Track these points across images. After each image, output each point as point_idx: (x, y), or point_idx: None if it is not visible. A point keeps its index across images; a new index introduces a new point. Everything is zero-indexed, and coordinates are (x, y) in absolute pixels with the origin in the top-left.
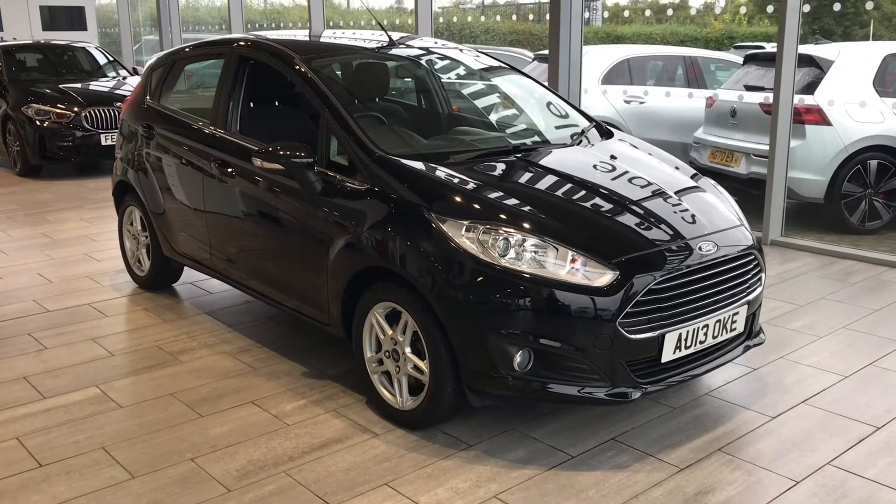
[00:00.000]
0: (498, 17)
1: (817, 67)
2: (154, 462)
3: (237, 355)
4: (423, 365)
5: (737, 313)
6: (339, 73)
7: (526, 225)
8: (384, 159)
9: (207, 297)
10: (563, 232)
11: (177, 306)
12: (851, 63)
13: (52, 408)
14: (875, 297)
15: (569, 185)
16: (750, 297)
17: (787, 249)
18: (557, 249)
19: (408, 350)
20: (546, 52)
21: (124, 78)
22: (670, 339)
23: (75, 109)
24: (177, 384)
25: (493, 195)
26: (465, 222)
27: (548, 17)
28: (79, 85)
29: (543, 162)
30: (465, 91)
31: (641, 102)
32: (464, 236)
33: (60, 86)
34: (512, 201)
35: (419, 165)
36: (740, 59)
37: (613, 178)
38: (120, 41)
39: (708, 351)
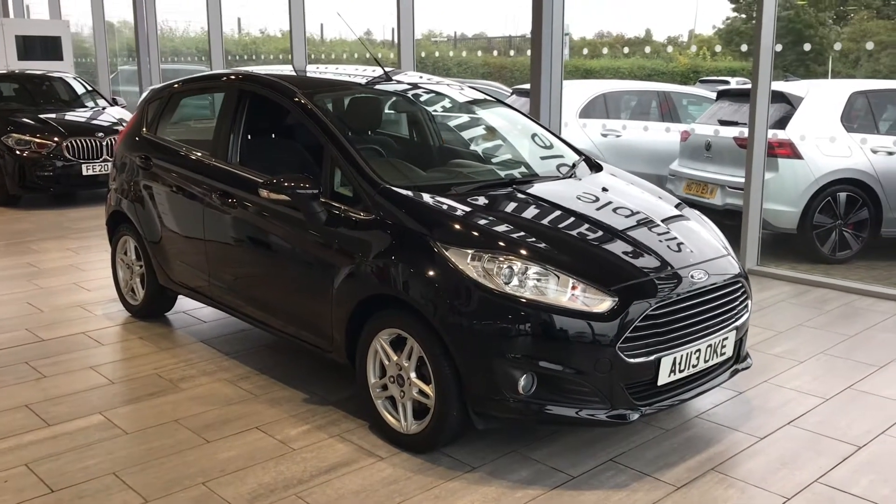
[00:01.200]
0: (479, 52)
1: (788, 104)
2: (166, 486)
3: (237, 382)
4: (428, 389)
5: (726, 338)
6: (340, 106)
7: (528, 253)
8: (388, 191)
9: (202, 326)
10: (563, 260)
11: (172, 335)
12: (820, 100)
13: (57, 435)
14: (849, 323)
15: (566, 216)
16: (738, 323)
17: (763, 278)
18: (559, 277)
19: (413, 375)
20: (524, 86)
21: (103, 108)
22: (666, 363)
23: (56, 139)
24: (180, 411)
25: (496, 225)
26: (470, 251)
27: (518, 52)
28: (58, 115)
29: (540, 193)
30: (458, 124)
31: (618, 136)
32: (469, 264)
33: (40, 116)
34: (514, 231)
35: (424, 196)
36: (712, 94)
37: (607, 210)
38: (96, 71)
39: (700, 374)
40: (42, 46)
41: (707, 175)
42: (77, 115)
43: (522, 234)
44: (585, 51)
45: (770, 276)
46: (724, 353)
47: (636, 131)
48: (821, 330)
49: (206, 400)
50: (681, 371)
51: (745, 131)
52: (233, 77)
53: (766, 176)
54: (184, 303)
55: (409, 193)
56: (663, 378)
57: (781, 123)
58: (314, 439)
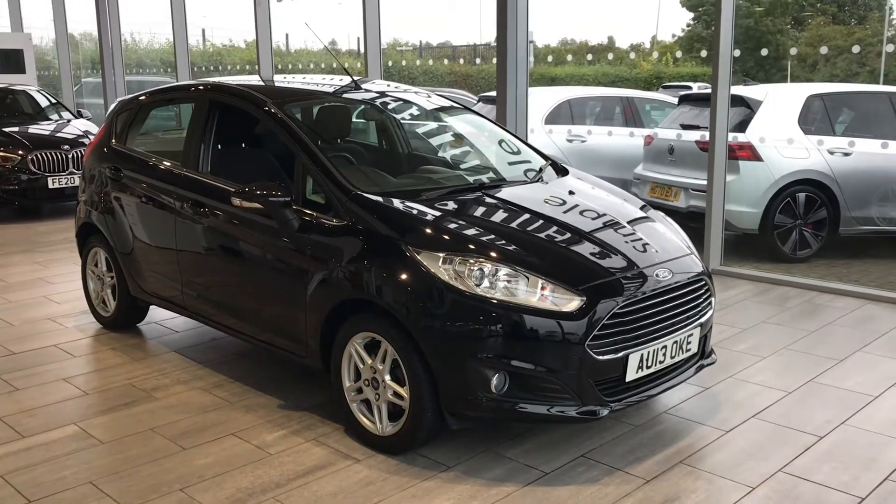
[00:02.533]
0: (445, 61)
1: (747, 107)
2: (144, 493)
3: (211, 390)
4: (402, 391)
5: (691, 335)
6: (309, 115)
7: (498, 256)
8: (360, 197)
9: (174, 336)
10: (532, 262)
11: (144, 345)
12: (778, 103)
13: (32, 446)
14: (810, 319)
15: (534, 219)
16: (702, 320)
17: (726, 277)
18: (528, 278)
19: (388, 377)
20: (490, 93)
21: (68, 120)
22: (633, 360)
23: (20, 152)
24: (155, 419)
25: (466, 228)
26: (441, 254)
27: (483, 60)
28: (21, 128)
29: (508, 197)
30: (427, 131)
31: (583, 141)
32: (440, 267)
33: (4, 129)
34: (484, 234)
35: (394, 202)
36: (674, 100)
37: (574, 212)
38: (59, 83)
39: (667, 370)
40: (4, 59)
41: (671, 178)
42: (42, 128)
43: (492, 236)
44: (550, 58)
45: (733, 275)
46: (690, 350)
47: (601, 136)
48: (783, 326)
49: (181, 408)
50: (648, 367)
51: (707, 135)
52: (203, 87)
53: (728, 178)
54: (155, 313)
55: (381, 199)
56: (631, 374)
57: (741, 126)
58: (290, 444)
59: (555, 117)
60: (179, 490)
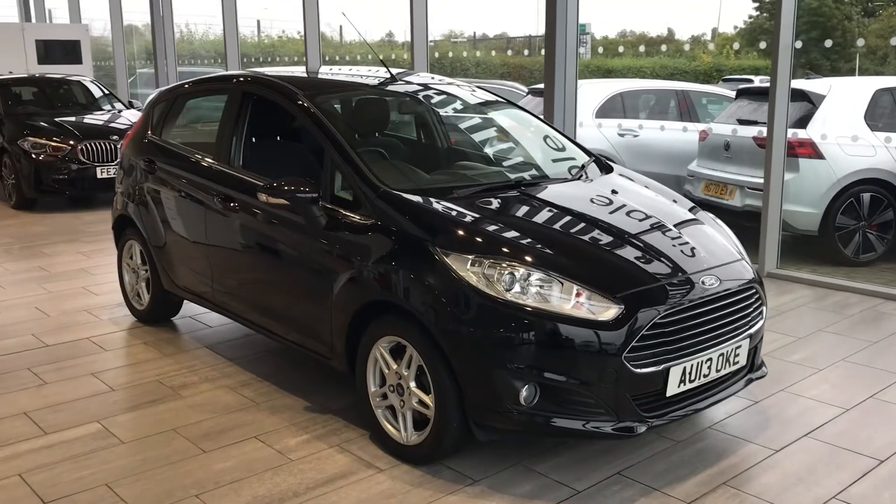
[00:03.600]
0: (493, 52)
1: (809, 102)
2: (158, 499)
3: (239, 389)
4: (428, 399)
5: (739, 346)
6: (341, 108)
7: (530, 259)
8: (388, 194)
9: (207, 331)
10: (567, 266)
11: (177, 340)
12: (843, 98)
13: (54, 444)
14: (872, 329)
15: (572, 220)
16: (752, 331)
17: (782, 282)
18: (562, 284)
19: (412, 384)
20: (540, 85)
21: (120, 111)
22: (675, 373)
23: (71, 143)
24: (179, 419)
25: (497, 229)
26: (470, 256)
27: (542, 51)
28: (74, 118)
29: (545, 196)
30: (465, 126)
31: (635, 136)
32: (469, 270)
33: (56, 119)
34: (516, 235)
35: (423, 200)
36: (732, 93)
37: (615, 213)
38: (115, 74)
39: (711, 384)
40: (62, 50)
41: (726, 175)
42: (93, 119)
43: (525, 238)
44: (601, 50)
45: (790, 279)
46: (738, 362)
47: (654, 131)
48: (842, 336)
49: (206, 408)
50: (691, 381)
51: (765, 130)
52: (236, 79)
53: (787, 176)
54: (190, 307)
55: (410, 197)
56: (672, 389)
57: (802, 122)
58: (313, 449)
59: (606, 111)
60: (195, 496)
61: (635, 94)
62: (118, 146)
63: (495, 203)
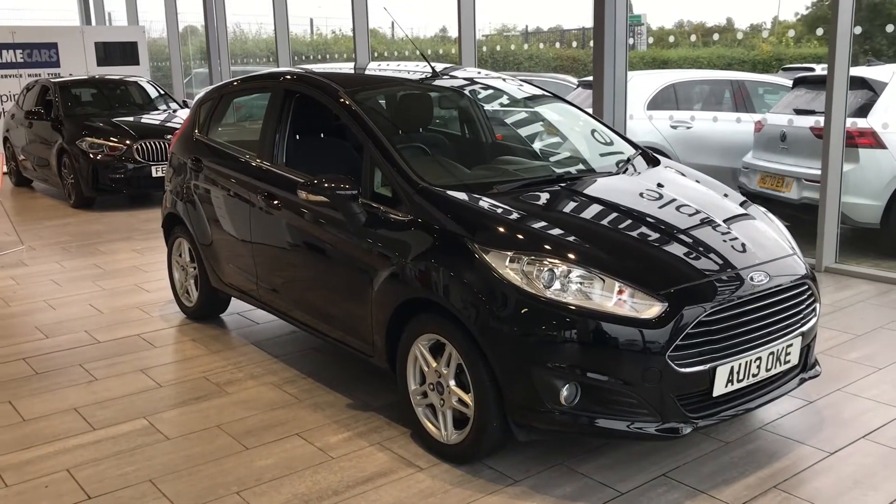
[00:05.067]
0: (541, 45)
1: (870, 90)
2: (200, 496)
3: (283, 386)
4: (467, 398)
5: (791, 345)
6: (383, 104)
7: (571, 256)
8: (427, 190)
9: (254, 328)
10: (609, 262)
11: (224, 337)
12: None
13: (101, 439)
14: None
15: (615, 215)
16: (804, 329)
17: (841, 276)
18: (604, 281)
19: (452, 383)
20: (591, 77)
21: (175, 111)
22: (722, 373)
23: (127, 142)
24: (223, 416)
25: (538, 225)
26: (509, 253)
27: (591, 43)
28: (131, 118)
29: (588, 191)
30: (509, 120)
31: (688, 127)
32: (507, 267)
33: (113, 119)
34: (557, 231)
35: (462, 196)
36: (789, 82)
37: (661, 207)
38: (171, 74)
39: (761, 384)
40: (120, 52)
41: (782, 167)
42: (149, 119)
43: (566, 234)
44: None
45: (849, 274)
46: (789, 361)
47: (707, 122)
48: None
49: (250, 404)
50: (739, 381)
51: (816, 120)
52: (279, 76)
53: (846, 167)
54: (238, 304)
55: (449, 193)
56: (719, 389)
57: (863, 111)
58: (354, 447)
59: (658, 102)
60: (236, 493)
61: (688, 84)
62: None
63: (536, 199)
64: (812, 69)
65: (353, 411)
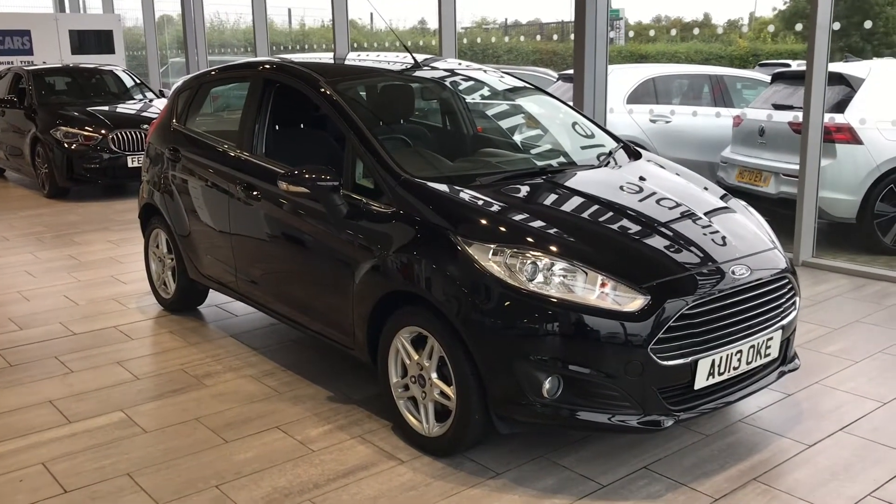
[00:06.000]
0: (521, 38)
1: (847, 86)
2: (179, 489)
3: (262, 379)
4: (449, 391)
5: (771, 338)
6: (364, 95)
7: (554, 248)
8: (409, 182)
9: (233, 320)
10: (592, 255)
11: (202, 329)
12: (883, 81)
13: (77, 432)
14: None
15: (597, 208)
16: (784, 322)
17: (818, 271)
18: (587, 273)
19: (434, 376)
20: (571, 71)
21: (151, 100)
22: (703, 366)
23: (102, 132)
24: (202, 409)
25: (520, 218)
26: (492, 246)
27: (571, 36)
28: (106, 108)
29: (570, 184)
30: (491, 112)
31: (667, 122)
32: (490, 260)
33: (88, 108)
34: (539, 224)
35: (444, 188)
36: (766, 78)
37: (643, 200)
38: (147, 64)
39: (741, 377)
40: (95, 40)
41: (760, 162)
42: (124, 108)
43: (549, 227)
44: (631, 34)
45: (826, 268)
46: (769, 355)
47: (686, 116)
48: (880, 327)
49: (229, 397)
50: (720, 374)
51: (794, 115)
52: (259, 66)
53: (823, 162)
54: (216, 296)
55: (431, 185)
56: (700, 382)
57: (840, 107)
58: (335, 440)
59: (638, 96)
60: (215, 487)
61: (667, 79)
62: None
63: (519, 191)
64: (788, 65)
65: (333, 404)
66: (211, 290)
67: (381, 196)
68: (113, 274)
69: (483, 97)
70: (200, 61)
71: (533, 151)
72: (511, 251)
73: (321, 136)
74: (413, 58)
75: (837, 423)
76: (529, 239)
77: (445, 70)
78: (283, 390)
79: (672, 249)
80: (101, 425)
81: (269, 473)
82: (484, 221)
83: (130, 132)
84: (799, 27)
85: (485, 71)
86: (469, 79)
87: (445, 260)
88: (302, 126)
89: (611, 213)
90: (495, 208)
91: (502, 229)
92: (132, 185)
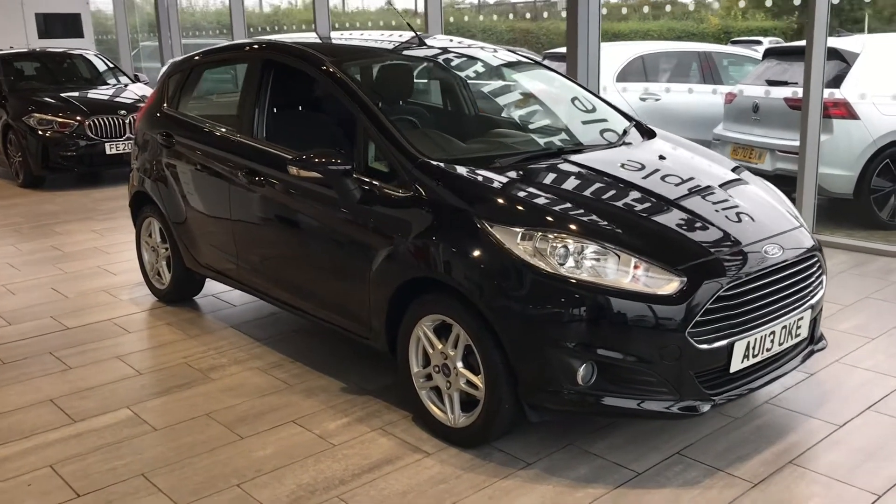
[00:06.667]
0: (494, 17)
1: (842, 60)
2: (198, 489)
3: (270, 371)
4: (477, 380)
5: (801, 318)
6: (371, 75)
7: (584, 231)
8: (428, 165)
9: (231, 310)
10: (622, 237)
11: (200, 320)
12: (878, 55)
13: (83, 432)
14: None
15: (622, 188)
16: (813, 301)
17: None
18: (619, 256)
19: (460, 365)
20: (554, 50)
21: (126, 85)
22: (739, 348)
23: (78, 118)
24: (211, 403)
25: (547, 200)
26: (520, 229)
27: (545, 14)
28: (80, 93)
29: (591, 164)
30: (499, 91)
31: (657, 100)
32: (519, 244)
33: (62, 94)
34: (566, 206)
35: (465, 170)
36: (753, 54)
37: (667, 181)
38: (117, 48)
39: (773, 359)
40: (62, 24)
41: (755, 139)
42: (99, 93)
43: (576, 208)
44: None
45: (826, 245)
46: (800, 335)
47: (676, 94)
48: (889, 302)
49: (238, 391)
50: (754, 356)
51: (797, 91)
52: (256, 46)
53: (821, 138)
54: (212, 286)
55: (451, 167)
56: (736, 364)
57: (835, 82)
58: (355, 433)
59: (627, 74)
60: (236, 485)
61: (657, 56)
62: (126, 121)
63: (541, 172)
64: (760, 42)
65: (348, 395)
66: (207, 279)
67: (397, 180)
68: (100, 264)
69: (489, 75)
70: (174, 45)
71: (546, 131)
72: (540, 235)
73: (324, 119)
74: (416, 35)
75: (864, 401)
76: (559, 221)
77: (448, 47)
78: (293, 382)
79: (703, 230)
80: (107, 424)
81: (290, 470)
82: (510, 204)
83: (108, 118)
84: (769, 3)
85: (482, 48)
86: (473, 57)
87: (471, 245)
88: (303, 108)
89: (636, 194)
90: (520, 190)
91: (530, 212)
92: (110, 173)
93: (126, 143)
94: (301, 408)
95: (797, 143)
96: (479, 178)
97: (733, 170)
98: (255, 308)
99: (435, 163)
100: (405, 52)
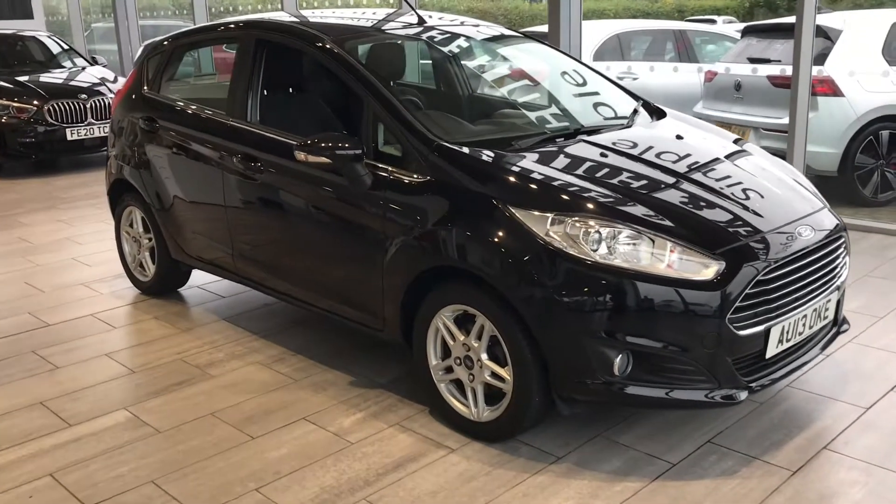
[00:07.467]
0: None
1: (826, 38)
2: (215, 495)
3: (272, 365)
4: (503, 372)
5: (829, 300)
6: (373, 55)
7: (616, 215)
8: (444, 148)
9: (220, 302)
10: (655, 221)
11: (189, 313)
12: (860, 32)
13: (81, 437)
14: None
15: (647, 170)
16: (839, 282)
17: None
18: (654, 241)
19: (484, 356)
20: (530, 29)
21: (83, 68)
22: (775, 333)
23: (36, 103)
24: (215, 402)
25: (573, 183)
26: (550, 215)
27: None
28: (37, 76)
29: (611, 145)
30: (505, 70)
31: (635, 78)
32: (549, 230)
33: (17, 78)
34: (595, 189)
35: (486, 153)
36: (728, 32)
37: (689, 161)
38: (70, 29)
39: (803, 342)
40: (8, 4)
41: (738, 117)
42: (56, 77)
43: (605, 191)
44: None
45: None
46: (827, 317)
47: (654, 73)
48: (889, 280)
49: (241, 388)
50: (788, 340)
51: (781, 69)
52: (247, 25)
53: None
54: (198, 276)
55: (470, 150)
56: (772, 350)
57: (819, 59)
58: (372, 430)
59: (603, 53)
60: (255, 490)
61: (632, 35)
62: (87, 105)
63: (561, 154)
64: (714, 20)
65: (359, 389)
66: (194, 270)
67: (411, 164)
68: (74, 256)
69: (497, 55)
70: (132, 26)
71: (560, 111)
72: (572, 220)
73: (323, 101)
74: (418, 15)
75: (886, 382)
76: (589, 206)
77: (449, 25)
78: (298, 377)
79: (736, 213)
80: (106, 427)
81: (310, 471)
82: (538, 188)
83: (69, 103)
84: None
85: (487, 26)
86: (475, 35)
87: (497, 232)
88: (301, 90)
89: (663, 175)
90: (546, 173)
91: (558, 196)
92: (69, 159)
93: (88, 128)
94: (311, 404)
95: (781, 121)
96: (503, 162)
97: (755, 151)
98: (246, 299)
99: (452, 146)
100: (411, 31)
